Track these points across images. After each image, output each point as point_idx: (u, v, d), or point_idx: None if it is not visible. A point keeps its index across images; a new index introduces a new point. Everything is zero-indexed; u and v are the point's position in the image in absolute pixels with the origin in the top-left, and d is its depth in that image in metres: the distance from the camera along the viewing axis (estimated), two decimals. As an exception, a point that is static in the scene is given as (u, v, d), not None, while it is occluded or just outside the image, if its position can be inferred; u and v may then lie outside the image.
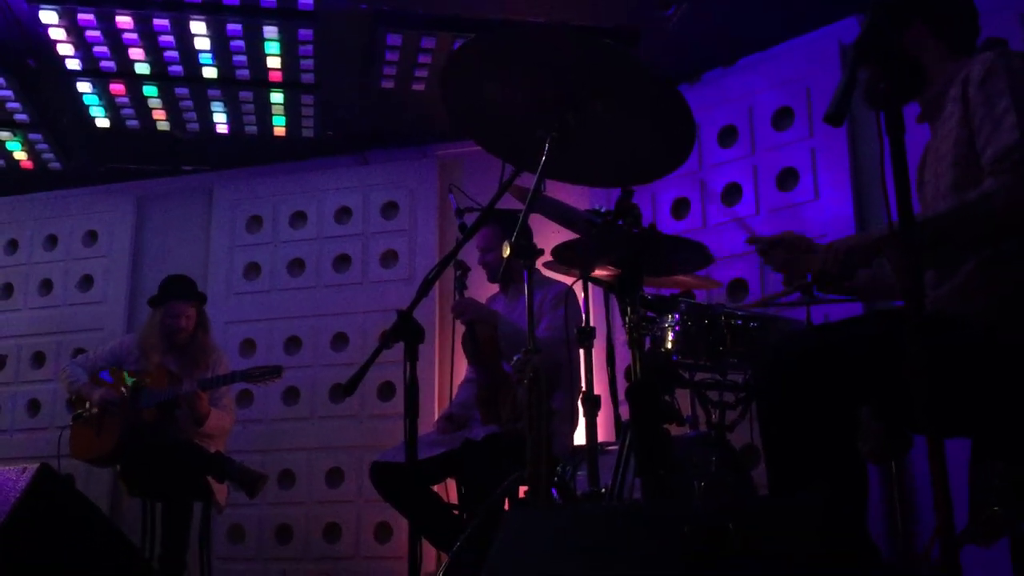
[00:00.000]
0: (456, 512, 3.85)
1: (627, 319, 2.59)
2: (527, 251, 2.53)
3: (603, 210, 2.77)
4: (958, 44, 2.25)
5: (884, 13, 1.68)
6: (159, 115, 5.12)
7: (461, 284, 3.91)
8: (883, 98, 1.58)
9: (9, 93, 4.84)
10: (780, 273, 2.54)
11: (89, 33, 4.33)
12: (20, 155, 5.53)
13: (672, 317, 2.85)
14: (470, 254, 4.06)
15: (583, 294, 3.25)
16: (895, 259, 2.07)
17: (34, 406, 5.74)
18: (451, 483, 4.05)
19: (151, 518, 4.35)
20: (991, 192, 1.92)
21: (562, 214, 2.91)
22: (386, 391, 5.31)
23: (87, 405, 4.56)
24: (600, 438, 3.02)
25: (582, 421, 2.92)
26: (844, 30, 4.28)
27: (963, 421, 2.04)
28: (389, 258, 5.53)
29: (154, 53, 4.52)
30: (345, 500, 5.22)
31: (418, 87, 4.86)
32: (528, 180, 2.32)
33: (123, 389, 4.51)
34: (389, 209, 5.60)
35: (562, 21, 4.27)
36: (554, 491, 2.80)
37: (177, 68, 4.67)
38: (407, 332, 2.31)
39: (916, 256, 1.53)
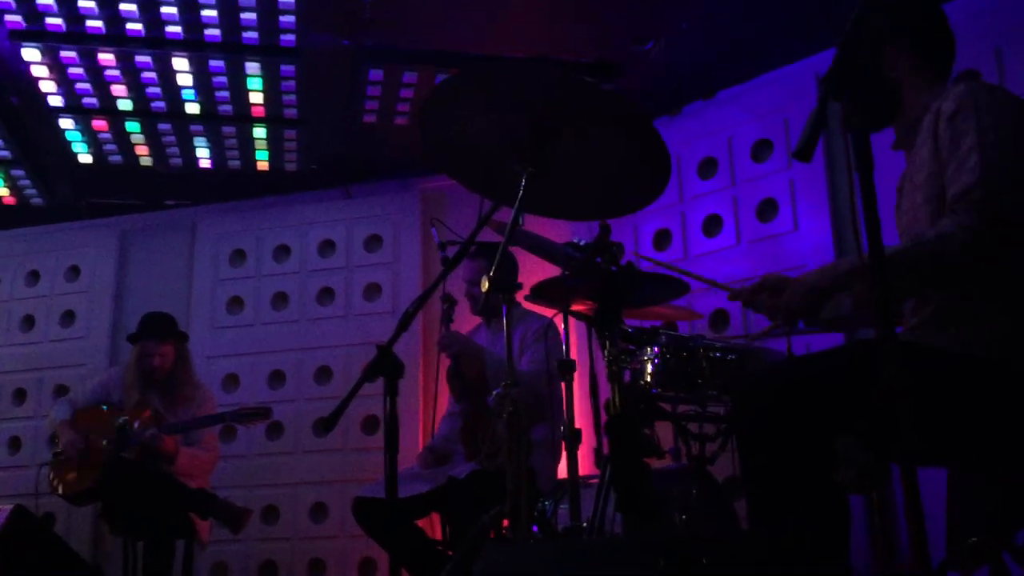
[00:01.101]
0: (440, 548, 3.83)
1: (606, 352, 2.60)
2: (505, 286, 2.53)
3: (582, 243, 2.78)
4: (934, 69, 2.25)
5: (855, 41, 1.69)
6: (142, 151, 5.13)
7: (448, 317, 3.91)
8: (853, 134, 1.60)
9: (-9, 130, 4.85)
10: (770, 317, 2.53)
11: (72, 70, 4.34)
12: (2, 191, 5.53)
13: (652, 350, 2.86)
14: (456, 287, 4.06)
15: (563, 327, 3.26)
16: (858, 294, 2.08)
17: (14, 443, 5.68)
18: (436, 517, 4.03)
19: (133, 557, 4.30)
20: (948, 232, 1.92)
21: (541, 248, 2.92)
22: (370, 425, 5.29)
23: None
24: (583, 471, 3.02)
25: (564, 454, 2.92)
26: (821, 63, 4.34)
27: (937, 448, 2.04)
28: (373, 291, 5.53)
29: (137, 90, 4.54)
30: (329, 535, 5.18)
31: (400, 121, 4.90)
32: (508, 214, 2.33)
33: (104, 430, 4.46)
34: (372, 242, 5.61)
35: (543, 55, 4.32)
36: (535, 526, 2.79)
37: (160, 104, 4.69)
38: (387, 367, 2.30)
39: (884, 289, 1.54)
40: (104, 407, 4.64)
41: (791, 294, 2.16)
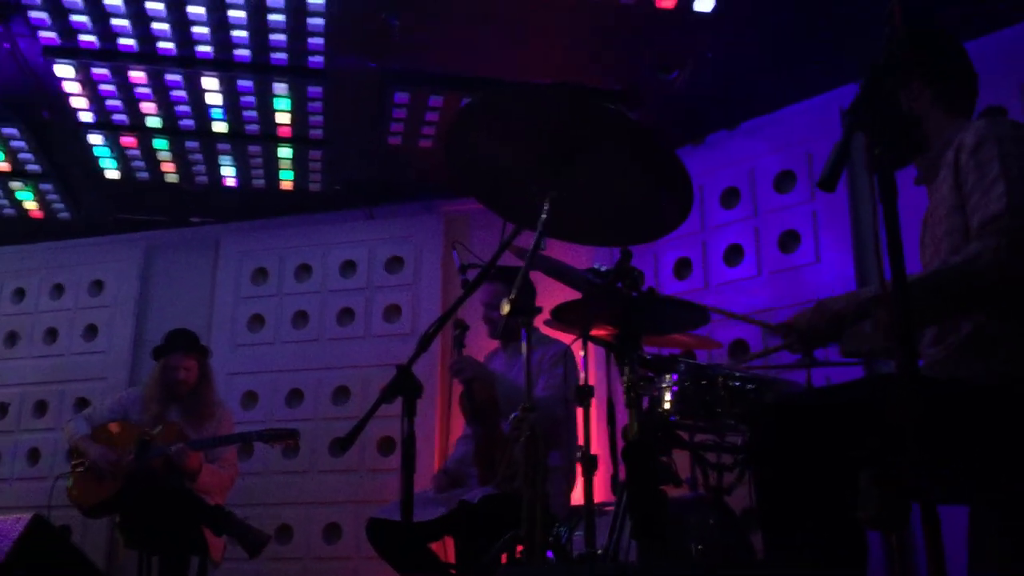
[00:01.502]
0: (453, 572, 3.81)
1: (625, 378, 2.59)
2: (525, 310, 2.53)
3: (603, 268, 2.79)
4: (956, 106, 2.27)
5: (881, 74, 1.69)
6: (168, 168, 5.19)
7: (459, 343, 3.91)
8: (877, 163, 1.60)
9: (22, 144, 4.92)
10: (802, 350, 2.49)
11: (103, 87, 4.41)
12: (30, 204, 5.60)
13: (670, 377, 2.85)
14: (470, 312, 4.07)
15: (583, 352, 3.25)
16: (881, 322, 2.07)
17: (34, 455, 5.72)
18: (449, 540, 4.01)
19: (147, 571, 4.30)
20: (975, 255, 1.93)
21: (562, 273, 2.93)
22: (386, 446, 5.29)
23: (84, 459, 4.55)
24: (598, 498, 3.00)
25: (580, 480, 2.90)
26: (845, 96, 4.34)
27: (959, 485, 2.02)
28: (392, 312, 5.55)
29: (166, 107, 4.60)
30: (343, 557, 5.16)
31: (425, 144, 4.93)
32: (530, 239, 2.34)
33: (125, 445, 4.49)
34: (394, 264, 5.64)
35: (567, 82, 4.34)
36: (549, 552, 2.77)
37: (188, 122, 4.75)
38: (406, 387, 2.30)
39: (906, 322, 1.53)
40: (125, 422, 4.67)
41: (814, 315, 2.16)
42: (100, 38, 4.08)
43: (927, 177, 2.29)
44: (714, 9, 3.82)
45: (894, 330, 1.57)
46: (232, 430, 4.75)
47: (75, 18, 3.93)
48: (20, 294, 6.09)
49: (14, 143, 4.92)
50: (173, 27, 4.01)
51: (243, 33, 4.05)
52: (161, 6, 3.86)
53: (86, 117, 4.67)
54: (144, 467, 4.38)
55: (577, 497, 3.56)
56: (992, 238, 1.92)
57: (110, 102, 4.54)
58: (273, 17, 3.94)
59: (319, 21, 3.97)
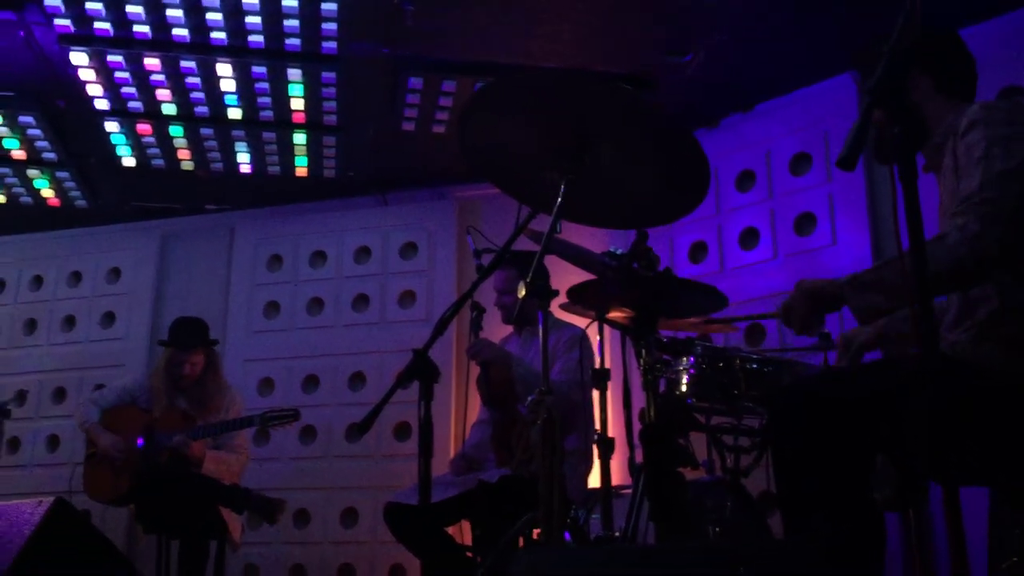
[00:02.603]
0: (470, 554, 3.83)
1: (642, 361, 2.59)
2: (542, 292, 2.54)
3: (619, 252, 2.78)
4: (956, 92, 2.28)
5: (901, 55, 1.68)
6: (184, 155, 5.20)
7: (477, 325, 3.92)
8: (897, 142, 1.58)
9: (38, 132, 4.94)
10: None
11: (118, 74, 4.42)
12: (47, 192, 5.63)
13: (687, 360, 2.85)
14: (486, 295, 4.07)
15: (599, 336, 3.25)
16: (853, 304, 2.05)
17: (53, 441, 5.77)
18: (466, 524, 4.03)
19: (166, 557, 4.34)
20: (943, 234, 1.93)
21: (578, 256, 2.92)
22: (402, 431, 5.31)
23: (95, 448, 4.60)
24: (615, 481, 3.00)
25: (597, 463, 2.91)
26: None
27: (978, 469, 2.01)
28: (407, 298, 5.56)
29: (180, 94, 4.61)
30: (360, 541, 5.20)
31: (438, 130, 4.93)
32: (545, 222, 2.34)
33: (134, 431, 4.52)
34: (408, 250, 5.64)
35: (581, 66, 4.33)
36: (567, 534, 2.78)
37: (203, 109, 4.76)
38: (422, 371, 2.31)
39: (929, 305, 1.52)
40: (133, 406, 4.70)
41: (793, 295, 2.15)
42: (115, 25, 4.09)
43: (933, 164, 2.28)
44: (729, -10, 3.80)
45: (900, 306, 1.54)
46: (241, 416, 4.76)
47: (90, 5, 3.94)
48: (38, 282, 6.13)
49: (31, 131, 4.94)
50: (187, 14, 4.01)
51: (257, 19, 4.05)
52: (175, -8, 3.87)
53: (102, 104, 4.69)
54: (152, 458, 4.40)
55: (594, 480, 3.57)
56: (961, 216, 1.92)
57: (125, 89, 4.55)
58: (287, 3, 3.94)
59: (332, 7, 3.96)
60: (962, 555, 1.45)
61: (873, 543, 1.97)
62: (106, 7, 3.95)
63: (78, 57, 4.27)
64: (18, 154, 5.17)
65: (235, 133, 5.01)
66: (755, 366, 2.81)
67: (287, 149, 5.17)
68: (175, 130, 4.94)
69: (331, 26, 4.10)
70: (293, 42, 4.24)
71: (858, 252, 4.20)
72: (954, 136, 2.11)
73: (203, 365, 4.72)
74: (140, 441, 4.46)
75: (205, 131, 4.97)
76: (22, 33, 4.09)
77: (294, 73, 4.45)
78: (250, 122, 4.89)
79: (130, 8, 3.97)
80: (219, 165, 5.33)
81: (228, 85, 4.54)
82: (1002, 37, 3.76)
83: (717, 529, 2.82)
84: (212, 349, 4.80)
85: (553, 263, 3.56)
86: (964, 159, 2.04)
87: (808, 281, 2.16)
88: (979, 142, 2.01)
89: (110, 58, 4.29)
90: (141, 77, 4.45)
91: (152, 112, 4.77)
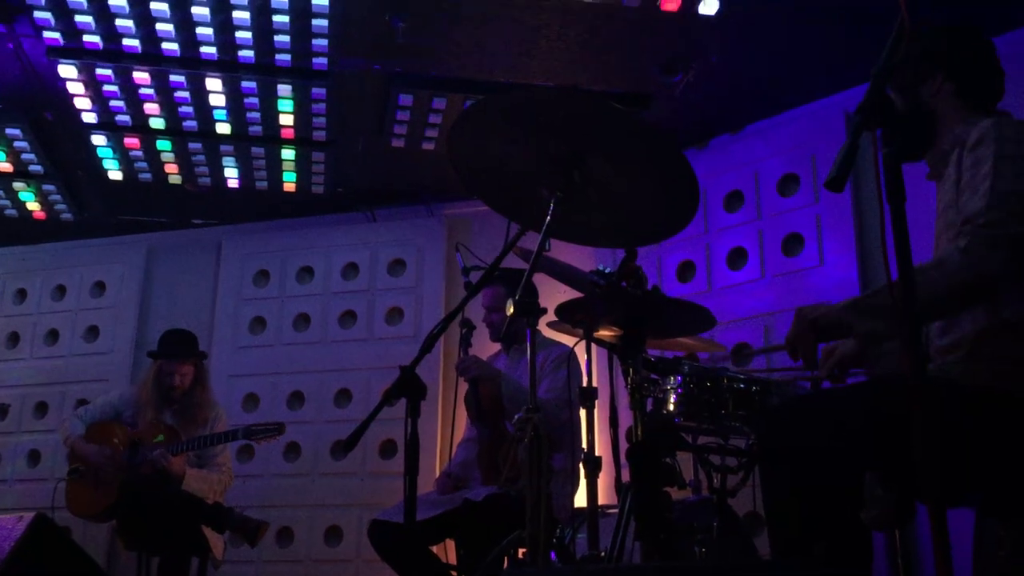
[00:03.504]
0: (454, 573, 3.80)
1: (629, 380, 2.59)
2: (530, 310, 2.53)
3: (607, 270, 2.78)
4: (978, 102, 2.24)
5: (884, 78, 1.68)
6: (171, 169, 5.18)
7: (466, 342, 3.91)
8: (888, 163, 1.58)
9: (25, 144, 4.91)
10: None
11: (107, 88, 4.40)
12: (33, 205, 5.60)
13: (675, 379, 2.83)
14: (476, 313, 4.07)
15: (586, 355, 3.24)
16: (857, 331, 2.04)
17: (34, 456, 5.71)
18: (450, 543, 4.01)
19: (147, 573, 4.30)
20: (946, 256, 1.91)
21: (566, 274, 2.93)
22: (387, 449, 5.28)
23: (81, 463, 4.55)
24: (601, 500, 2.99)
25: (583, 483, 2.90)
26: (849, 100, 4.34)
27: (968, 490, 2.01)
28: (395, 315, 5.54)
29: (169, 108, 4.59)
30: (343, 559, 5.15)
31: (428, 146, 4.93)
32: (534, 240, 2.34)
33: (118, 445, 4.49)
34: (396, 267, 5.63)
35: (572, 85, 4.34)
36: (552, 554, 2.77)
37: (191, 123, 4.75)
38: (410, 388, 2.29)
39: (915, 324, 1.52)
40: (117, 422, 4.66)
41: (795, 326, 2.14)
42: (104, 39, 4.08)
43: (936, 173, 2.28)
44: (718, 12, 3.82)
45: (900, 332, 1.56)
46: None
47: (79, 18, 3.93)
48: (22, 295, 6.09)
49: (17, 143, 4.91)
50: (177, 28, 4.00)
51: (247, 34, 4.05)
52: (165, 7, 3.86)
53: (89, 118, 4.67)
54: (136, 472, 4.36)
55: (580, 500, 3.55)
56: (963, 238, 1.91)
57: (113, 103, 4.53)
58: (277, 18, 3.94)
59: (323, 23, 3.97)
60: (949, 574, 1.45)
61: (861, 563, 1.96)
62: (96, 20, 3.95)
63: (67, 70, 4.25)
64: (4, 166, 5.14)
65: (223, 148, 4.99)
66: (743, 386, 2.79)
67: (275, 164, 5.16)
68: (163, 144, 4.93)
69: (322, 42, 4.11)
70: (284, 57, 4.23)
71: (845, 273, 4.21)
72: (961, 147, 2.10)
73: (192, 377, 4.70)
74: (124, 454, 4.43)
75: (193, 145, 4.96)
76: (11, 45, 4.08)
77: (284, 88, 4.44)
78: (239, 137, 4.88)
79: (120, 22, 3.96)
80: (207, 180, 5.32)
81: (217, 100, 4.53)
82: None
83: (703, 549, 2.81)
84: (201, 362, 4.78)
85: (541, 281, 3.56)
86: (969, 173, 2.02)
87: (807, 309, 2.14)
88: (987, 158, 1.99)
89: (99, 71, 4.28)
90: (130, 91, 4.44)
91: (140, 126, 4.75)
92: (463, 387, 3.94)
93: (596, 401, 2.97)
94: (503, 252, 2.46)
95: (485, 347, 4.34)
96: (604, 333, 2.96)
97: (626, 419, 2.87)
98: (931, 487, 1.46)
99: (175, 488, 4.32)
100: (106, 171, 5.16)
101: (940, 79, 2.24)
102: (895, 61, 1.66)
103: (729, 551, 2.82)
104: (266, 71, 4.33)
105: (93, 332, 5.92)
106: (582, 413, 2.97)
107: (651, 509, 2.35)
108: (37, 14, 3.88)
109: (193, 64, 4.26)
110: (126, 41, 4.09)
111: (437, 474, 4.58)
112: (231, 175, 5.27)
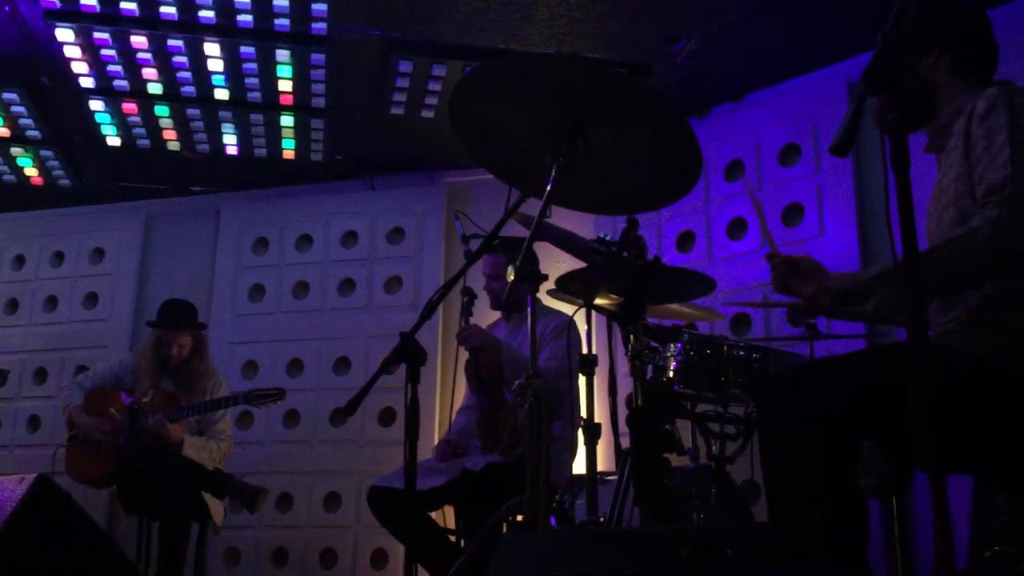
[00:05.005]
0: (453, 539, 3.83)
1: (629, 347, 2.59)
2: (531, 276, 2.53)
3: (608, 238, 2.78)
4: (974, 75, 2.25)
5: (898, 40, 1.67)
6: (170, 135, 5.15)
7: (467, 311, 3.90)
8: (891, 128, 1.58)
9: (22, 109, 4.88)
10: (778, 291, 2.49)
11: (104, 52, 4.37)
12: (31, 171, 5.57)
13: (674, 347, 2.85)
14: (477, 281, 4.06)
15: (586, 325, 3.25)
16: (881, 300, 2.06)
17: (34, 422, 5.74)
18: (449, 508, 4.03)
19: (147, 538, 4.32)
20: (977, 227, 1.92)
21: (567, 242, 2.92)
22: (387, 417, 5.30)
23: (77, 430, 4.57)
24: (600, 468, 3.00)
25: (582, 450, 2.91)
26: (851, 68, 4.31)
27: (966, 458, 2.02)
28: (394, 283, 5.54)
29: (167, 73, 4.56)
30: (343, 525, 5.19)
31: (427, 114, 4.90)
32: (534, 207, 2.33)
33: (115, 414, 4.49)
34: (395, 235, 5.62)
35: (572, 53, 4.31)
36: (552, 519, 2.78)
37: (189, 89, 4.71)
38: (409, 354, 2.30)
39: (917, 293, 1.52)
40: (115, 389, 4.66)
41: (821, 293, 2.15)
42: (101, 2, 4.04)
43: (936, 145, 2.27)
44: (721, -21, 3.79)
45: (905, 302, 1.56)
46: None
47: (76, -19, 3.90)
48: (20, 261, 6.08)
49: (14, 108, 4.87)
50: (175, -9, 3.97)
51: (246, -1, 4.02)
52: (163, -30, 3.83)
53: (87, 83, 4.63)
54: (135, 438, 4.37)
55: (579, 466, 3.57)
56: (993, 209, 1.91)
57: (111, 67, 4.49)
58: (276, -18, 3.91)
59: (323, -13, 3.93)
60: (948, 543, 1.45)
61: (858, 530, 1.97)
62: (93, -17, 3.91)
63: (64, 34, 4.21)
64: (1, 131, 5.10)
65: (222, 114, 4.96)
66: (742, 353, 2.81)
67: (274, 131, 5.13)
68: (161, 110, 4.89)
69: (321, 7, 4.06)
70: (282, 22, 4.19)
71: (845, 242, 4.21)
72: (967, 118, 2.10)
73: (191, 347, 4.70)
74: (123, 423, 4.44)
75: (191, 111, 4.92)
76: (7, 8, 4.04)
77: (283, 54, 4.40)
78: (237, 103, 4.85)
79: (117, -15, 3.92)
80: (205, 146, 5.29)
81: (216, 65, 4.49)
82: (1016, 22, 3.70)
83: (701, 515, 2.83)
84: (200, 333, 4.79)
85: (542, 249, 3.56)
86: (983, 142, 2.02)
87: (834, 280, 2.15)
88: (1001, 128, 1.99)
89: (96, 35, 4.23)
90: (127, 55, 4.40)
91: (138, 91, 4.72)
92: (463, 355, 3.94)
93: (596, 368, 2.98)
94: (504, 218, 2.46)
95: (485, 316, 4.34)
96: (604, 301, 2.96)
97: (625, 387, 2.88)
98: (927, 455, 1.46)
99: (173, 453, 4.34)
100: (104, 137, 5.14)
101: (937, 51, 2.24)
102: (903, 24, 1.65)
103: (727, 517, 2.85)
104: (265, 36, 4.29)
105: (92, 299, 5.92)
106: (581, 380, 2.98)
107: (650, 476, 2.36)
108: (34, -24, 3.85)
109: (191, 28, 4.22)
110: (124, 4, 4.05)
111: (436, 441, 4.60)
112: (230, 142, 5.25)
